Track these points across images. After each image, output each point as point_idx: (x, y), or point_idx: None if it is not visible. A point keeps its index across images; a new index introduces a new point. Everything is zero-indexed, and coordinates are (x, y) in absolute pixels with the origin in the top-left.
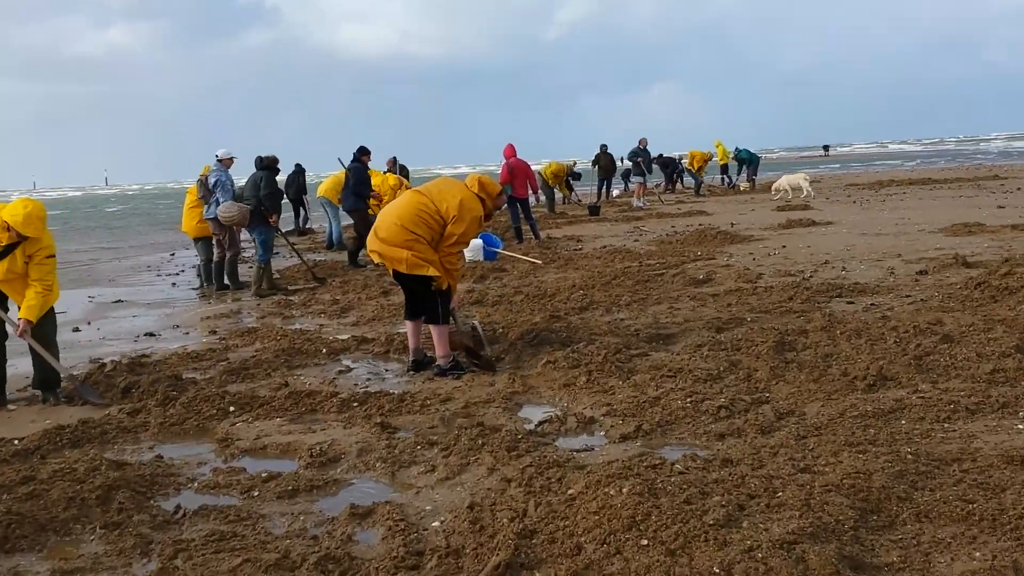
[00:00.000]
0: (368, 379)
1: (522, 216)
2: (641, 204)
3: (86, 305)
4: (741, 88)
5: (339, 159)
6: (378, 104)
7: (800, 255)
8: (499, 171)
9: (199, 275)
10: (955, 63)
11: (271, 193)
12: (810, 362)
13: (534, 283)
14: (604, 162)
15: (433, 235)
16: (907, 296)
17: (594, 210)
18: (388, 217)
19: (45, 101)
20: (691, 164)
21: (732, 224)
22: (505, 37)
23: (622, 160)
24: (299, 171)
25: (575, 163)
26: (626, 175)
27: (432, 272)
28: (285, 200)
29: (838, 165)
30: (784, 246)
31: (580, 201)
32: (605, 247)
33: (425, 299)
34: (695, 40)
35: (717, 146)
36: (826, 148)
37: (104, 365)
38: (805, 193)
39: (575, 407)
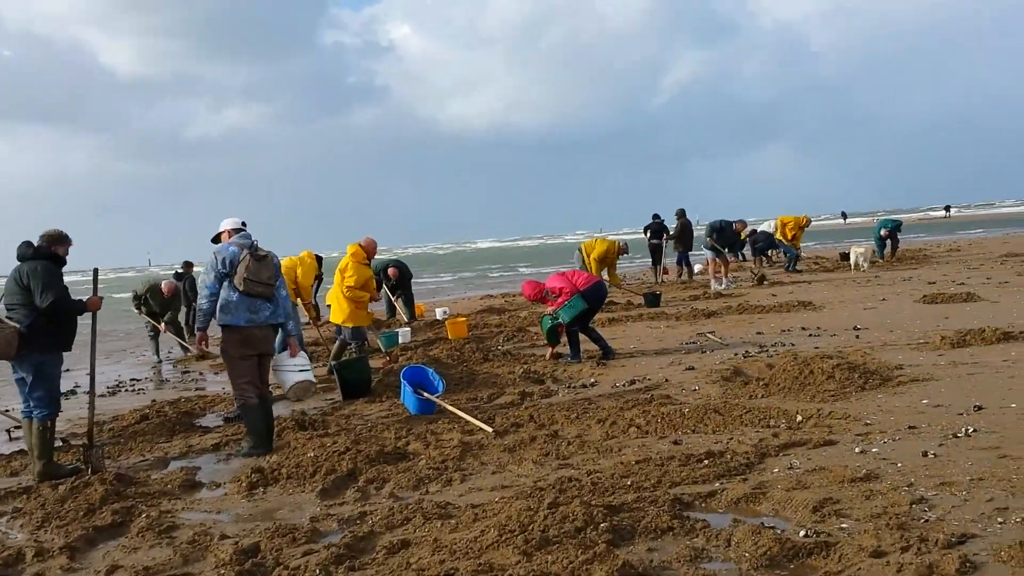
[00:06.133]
0: None
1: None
2: (722, 287)
3: None
4: (852, 147)
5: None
6: (483, 175)
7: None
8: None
9: None
10: None
11: (60, 298)
12: None
13: (400, 539)
14: (679, 231)
15: None
16: None
17: (652, 300)
18: None
19: (163, 180)
20: (782, 233)
21: (856, 331)
22: (610, 104)
23: (698, 222)
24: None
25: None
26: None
27: None
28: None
29: (971, 230)
30: (979, 407)
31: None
32: (632, 384)
33: None
34: (805, 98)
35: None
36: (947, 209)
37: None
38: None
39: None
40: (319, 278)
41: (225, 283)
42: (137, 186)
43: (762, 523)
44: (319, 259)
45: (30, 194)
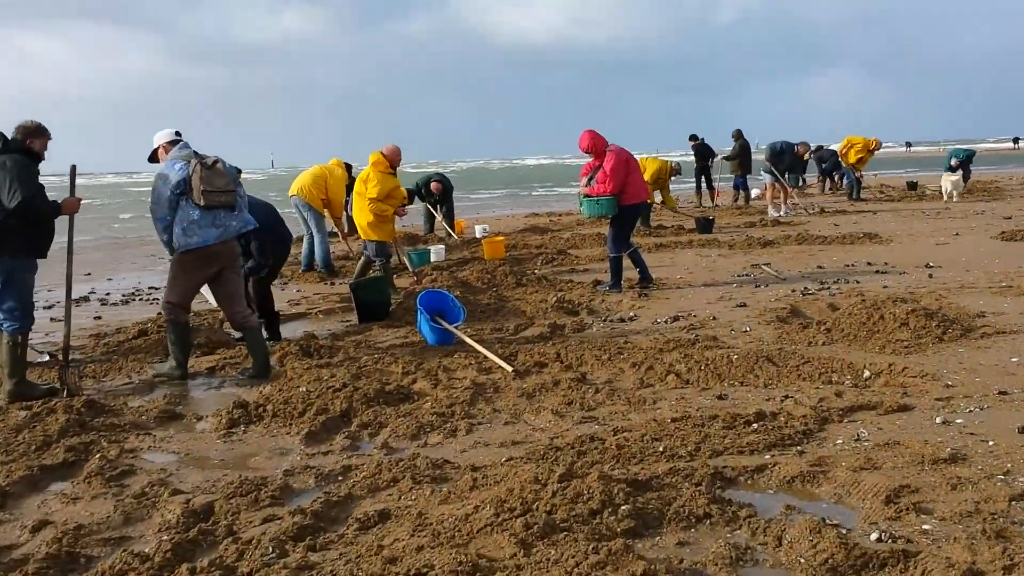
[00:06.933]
0: None
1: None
2: (780, 214)
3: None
4: (913, 76)
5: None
6: (538, 90)
7: None
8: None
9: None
10: None
11: (31, 196)
12: None
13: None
14: (738, 152)
15: None
16: None
17: (704, 225)
18: None
19: (217, 86)
20: (846, 157)
21: (928, 269)
22: (674, 21)
23: (757, 146)
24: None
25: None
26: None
27: None
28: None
29: None
30: None
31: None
32: (675, 320)
33: None
34: (872, 22)
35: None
36: (1016, 140)
37: None
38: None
39: None
40: (351, 188)
41: (182, 203)
42: (194, 89)
43: (823, 518)
44: (348, 168)
45: (81, 97)
